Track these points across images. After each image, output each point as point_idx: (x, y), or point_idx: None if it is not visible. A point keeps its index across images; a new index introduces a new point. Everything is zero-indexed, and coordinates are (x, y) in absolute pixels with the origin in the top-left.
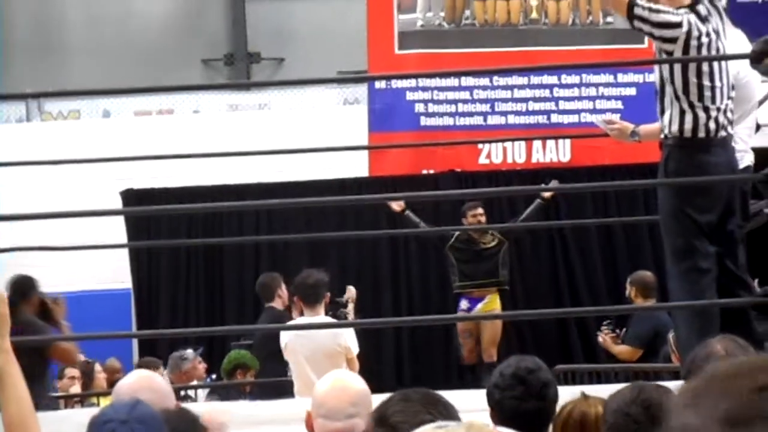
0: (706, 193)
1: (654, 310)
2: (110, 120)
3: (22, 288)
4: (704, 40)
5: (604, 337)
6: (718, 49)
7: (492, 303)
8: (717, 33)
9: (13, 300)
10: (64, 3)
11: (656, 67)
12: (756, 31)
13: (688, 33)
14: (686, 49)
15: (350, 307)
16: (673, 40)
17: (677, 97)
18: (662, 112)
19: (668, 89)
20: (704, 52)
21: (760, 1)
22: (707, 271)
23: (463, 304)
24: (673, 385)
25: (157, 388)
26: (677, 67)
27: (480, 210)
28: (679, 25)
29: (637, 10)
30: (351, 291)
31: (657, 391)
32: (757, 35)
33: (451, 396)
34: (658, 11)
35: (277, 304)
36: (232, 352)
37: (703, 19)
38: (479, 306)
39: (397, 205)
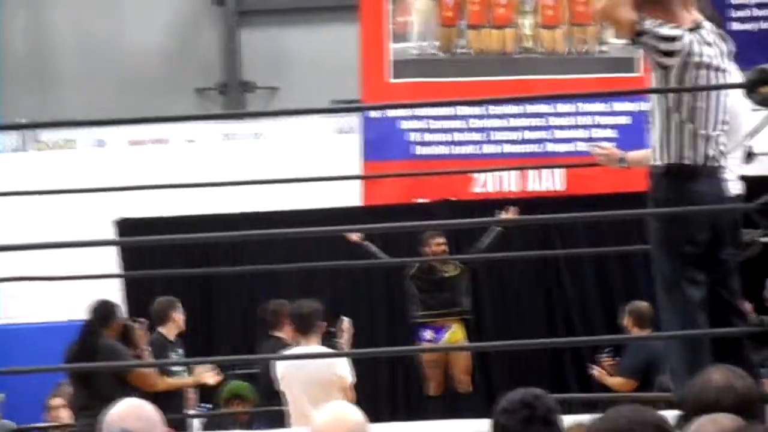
0: (693, 222)
1: (648, 341)
2: (104, 149)
3: (104, 313)
4: (705, 60)
5: (600, 369)
6: (716, 76)
7: (457, 333)
8: (717, 63)
9: (94, 325)
10: (59, 33)
11: (651, 96)
12: (750, 60)
13: (690, 50)
14: (684, 66)
15: (345, 337)
16: (674, 54)
17: (667, 119)
18: (652, 142)
19: (658, 113)
20: (702, 72)
21: (755, 30)
22: (697, 300)
23: (428, 334)
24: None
25: (146, 417)
26: (672, 87)
27: (442, 239)
28: (680, 38)
29: (644, 25)
30: (344, 323)
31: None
32: (752, 64)
33: (449, 426)
34: (662, 25)
35: (284, 333)
36: (231, 383)
37: (706, 43)
38: (446, 336)
39: (355, 236)
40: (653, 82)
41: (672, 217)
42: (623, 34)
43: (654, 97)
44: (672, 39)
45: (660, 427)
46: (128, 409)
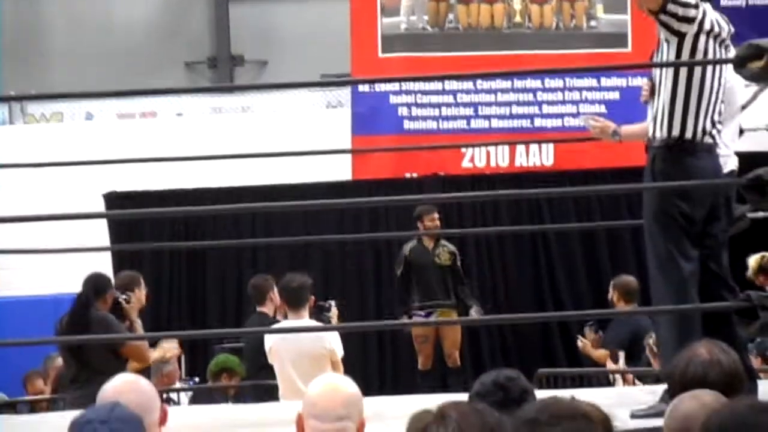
0: (691, 196)
1: (634, 315)
2: (93, 122)
3: (97, 285)
4: (715, 30)
5: (584, 341)
6: (723, 50)
7: (448, 311)
8: (724, 36)
9: (88, 297)
10: (47, 7)
11: (655, 70)
12: (739, 36)
13: (703, 19)
14: (697, 35)
15: (333, 311)
16: (692, 21)
17: (673, 91)
18: (653, 115)
19: (664, 86)
20: (711, 43)
21: (744, 6)
22: (690, 275)
23: (419, 313)
24: (653, 389)
25: (141, 391)
26: (662, 62)
27: (436, 215)
28: (697, 6)
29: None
30: (331, 307)
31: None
32: (741, 40)
33: (435, 399)
34: None
35: (268, 308)
36: (220, 356)
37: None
38: (437, 311)
39: None
40: (663, 54)
41: (668, 191)
42: (650, 4)
43: (660, 69)
44: (690, 6)
45: None
46: (124, 384)
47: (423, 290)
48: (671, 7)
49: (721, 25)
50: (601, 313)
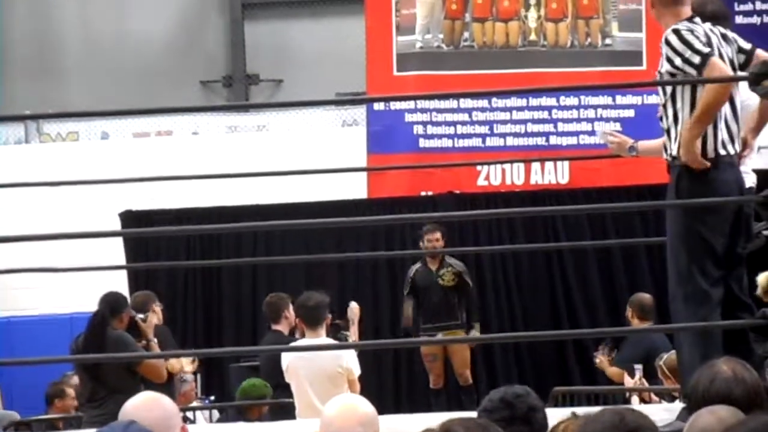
0: (717, 211)
1: (649, 333)
2: (109, 141)
3: (113, 304)
4: (724, 53)
5: (601, 358)
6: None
7: (455, 331)
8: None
9: (104, 316)
10: (63, 24)
11: (661, 89)
12: None
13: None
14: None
15: (353, 329)
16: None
17: (684, 117)
18: (668, 132)
19: (677, 109)
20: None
21: (758, 24)
22: (713, 294)
23: None
24: (669, 406)
25: (163, 409)
26: (688, 88)
27: (437, 234)
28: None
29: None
30: (354, 308)
31: (635, 415)
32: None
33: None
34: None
35: (283, 326)
36: (245, 383)
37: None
38: (441, 333)
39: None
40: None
41: (694, 209)
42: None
43: (678, 88)
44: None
45: None
46: (145, 401)
47: (427, 312)
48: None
49: (730, 49)
50: (616, 331)
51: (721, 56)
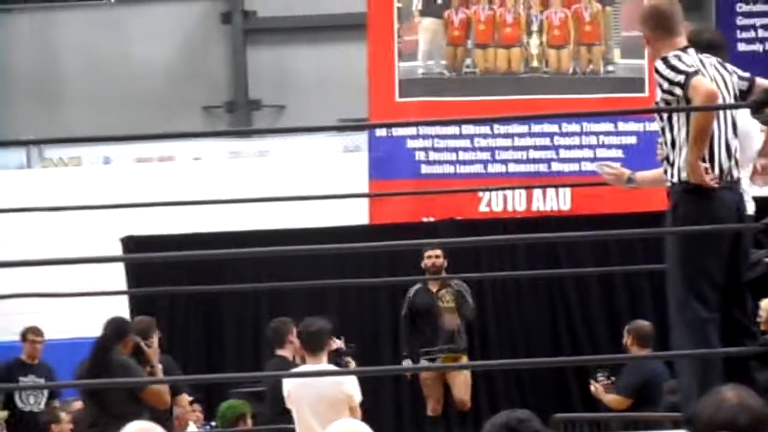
0: (715, 236)
1: (647, 360)
2: (111, 166)
3: (118, 330)
4: (715, 78)
5: (596, 386)
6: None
7: (456, 355)
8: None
9: (109, 341)
10: (65, 50)
11: (657, 116)
12: None
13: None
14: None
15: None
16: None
17: (682, 142)
18: (667, 159)
19: (674, 135)
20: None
21: (761, 51)
22: (711, 320)
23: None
24: None
25: None
26: (683, 113)
27: (437, 251)
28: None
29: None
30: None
31: None
32: None
33: None
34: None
35: (287, 351)
36: (223, 406)
37: (712, 65)
38: (440, 357)
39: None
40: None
41: (693, 236)
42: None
43: (674, 115)
44: (679, 71)
45: None
46: (139, 431)
47: (426, 335)
48: (662, 74)
49: (724, 76)
50: (618, 358)
51: (715, 81)
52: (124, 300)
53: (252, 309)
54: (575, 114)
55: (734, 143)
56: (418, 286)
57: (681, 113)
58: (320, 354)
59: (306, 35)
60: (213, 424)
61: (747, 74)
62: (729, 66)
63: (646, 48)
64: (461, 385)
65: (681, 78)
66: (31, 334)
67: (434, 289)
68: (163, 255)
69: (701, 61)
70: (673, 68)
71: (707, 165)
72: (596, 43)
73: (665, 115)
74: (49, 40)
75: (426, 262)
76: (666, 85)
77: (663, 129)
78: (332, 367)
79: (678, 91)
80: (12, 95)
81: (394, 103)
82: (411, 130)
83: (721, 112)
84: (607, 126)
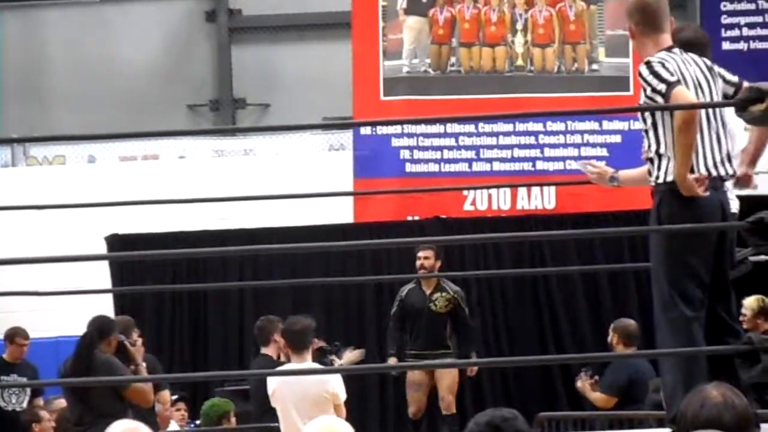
0: (699, 234)
1: (632, 359)
2: (95, 165)
3: (101, 328)
4: (695, 78)
5: (583, 383)
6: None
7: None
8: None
9: (92, 339)
10: (51, 49)
11: (641, 117)
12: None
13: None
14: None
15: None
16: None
17: (667, 143)
18: (650, 159)
19: (659, 136)
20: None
21: (745, 50)
22: (696, 319)
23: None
24: None
25: None
26: (667, 115)
27: (428, 252)
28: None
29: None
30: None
31: None
32: None
33: None
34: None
35: (272, 350)
36: (206, 405)
37: (692, 63)
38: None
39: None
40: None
41: (677, 235)
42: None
43: (658, 114)
44: (662, 78)
45: None
46: (124, 430)
47: (416, 337)
48: (645, 79)
49: (708, 77)
50: (603, 357)
51: (699, 85)
52: (109, 298)
53: (236, 307)
54: (560, 113)
55: (725, 141)
56: (411, 285)
57: (665, 115)
58: (304, 352)
59: (291, 34)
60: (198, 422)
61: (735, 78)
62: (716, 67)
63: (630, 42)
64: (447, 385)
65: (662, 87)
66: (19, 337)
67: (428, 291)
68: (148, 253)
69: (685, 63)
70: (657, 75)
71: (694, 163)
72: (581, 42)
73: (649, 117)
74: (35, 40)
75: (417, 263)
76: (648, 91)
77: (647, 131)
78: (317, 366)
79: (659, 99)
80: None
81: (378, 101)
82: (396, 129)
83: (708, 112)
84: (592, 125)
